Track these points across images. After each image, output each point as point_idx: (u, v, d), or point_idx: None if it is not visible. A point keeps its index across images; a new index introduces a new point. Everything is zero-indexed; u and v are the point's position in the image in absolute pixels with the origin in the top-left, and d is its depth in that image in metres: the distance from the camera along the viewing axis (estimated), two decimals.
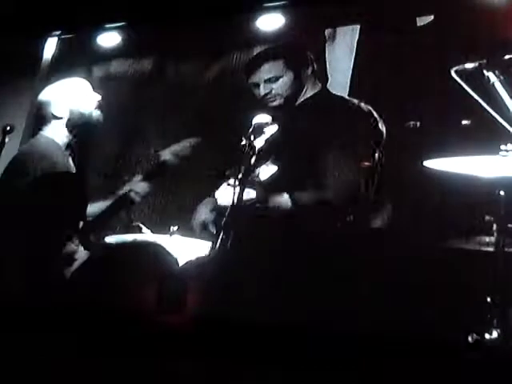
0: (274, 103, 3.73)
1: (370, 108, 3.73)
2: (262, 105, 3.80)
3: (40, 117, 4.35)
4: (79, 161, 4.41)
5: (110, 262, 3.34)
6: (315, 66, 3.84)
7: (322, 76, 4.02)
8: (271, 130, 3.72)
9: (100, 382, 2.65)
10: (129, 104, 5.46)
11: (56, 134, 4.29)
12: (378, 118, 3.69)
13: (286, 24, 4.76)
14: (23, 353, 2.76)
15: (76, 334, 2.71)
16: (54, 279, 3.96)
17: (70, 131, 4.31)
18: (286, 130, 3.71)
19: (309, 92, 3.77)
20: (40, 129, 4.28)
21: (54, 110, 4.30)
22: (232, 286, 3.16)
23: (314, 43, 4.67)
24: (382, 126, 3.68)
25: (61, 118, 4.29)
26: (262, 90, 3.73)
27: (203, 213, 3.85)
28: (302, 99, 3.76)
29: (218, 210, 3.86)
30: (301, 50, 3.87)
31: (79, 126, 4.32)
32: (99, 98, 4.38)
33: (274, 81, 3.71)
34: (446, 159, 3.36)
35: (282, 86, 3.71)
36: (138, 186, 4.30)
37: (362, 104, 3.73)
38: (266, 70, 3.74)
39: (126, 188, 4.27)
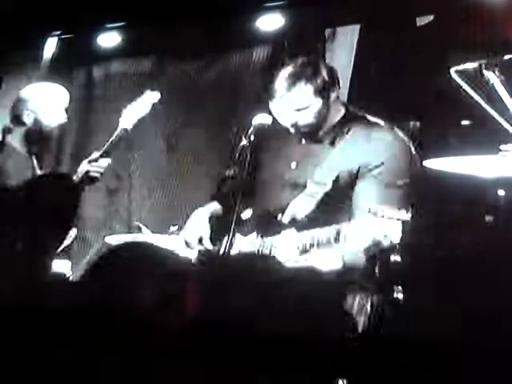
0: (299, 131, 3.50)
1: (406, 139, 3.50)
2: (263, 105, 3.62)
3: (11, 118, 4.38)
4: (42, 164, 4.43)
5: (111, 263, 3.33)
6: (340, 88, 3.59)
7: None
8: (294, 158, 3.55)
9: (103, 381, 2.66)
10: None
11: (16, 139, 4.31)
12: (414, 152, 3.47)
13: (286, 24, 4.77)
14: (26, 353, 2.76)
15: (75, 334, 2.72)
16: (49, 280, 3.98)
17: (27, 139, 4.32)
18: (313, 159, 3.51)
19: (334, 117, 3.50)
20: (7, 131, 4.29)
21: (21, 114, 4.31)
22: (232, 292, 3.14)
23: (314, 44, 4.68)
24: (417, 161, 3.46)
25: (24, 125, 4.30)
26: (287, 120, 3.43)
27: (199, 227, 3.65)
28: (328, 125, 3.49)
29: (215, 225, 3.68)
30: (330, 72, 3.49)
31: (36, 137, 4.33)
32: (65, 116, 4.39)
33: (300, 110, 3.40)
34: (446, 159, 3.36)
35: (309, 115, 3.42)
36: (95, 164, 4.23)
37: (398, 131, 3.47)
38: (293, 99, 3.40)
39: (83, 168, 4.23)
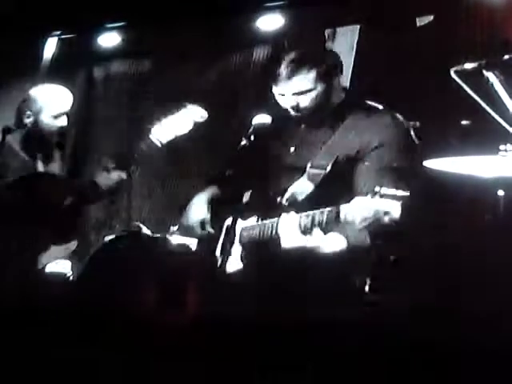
0: (299, 114, 3.52)
1: (405, 122, 3.51)
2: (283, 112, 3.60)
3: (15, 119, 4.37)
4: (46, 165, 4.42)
5: (117, 261, 3.32)
6: (342, 73, 3.63)
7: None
8: (294, 142, 3.60)
9: (106, 381, 2.66)
10: (128, 103, 5.47)
11: (17, 139, 4.31)
12: (413, 134, 3.49)
13: (286, 24, 4.77)
14: (23, 353, 2.76)
15: (76, 334, 2.72)
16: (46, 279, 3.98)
17: (26, 140, 4.32)
18: (312, 143, 3.55)
19: (335, 101, 3.54)
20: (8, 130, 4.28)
21: (23, 116, 4.31)
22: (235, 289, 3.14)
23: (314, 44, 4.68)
24: (415, 143, 3.48)
25: (25, 126, 4.29)
26: (288, 102, 3.53)
27: (200, 212, 3.72)
28: (329, 109, 3.53)
29: (214, 210, 3.72)
30: (334, 58, 3.59)
31: (35, 138, 4.32)
32: (66, 120, 4.36)
33: (302, 94, 3.44)
34: (446, 159, 3.36)
35: (310, 98, 3.45)
36: (105, 175, 4.20)
37: (397, 115, 3.51)
38: (296, 83, 3.44)
39: (94, 178, 4.20)
